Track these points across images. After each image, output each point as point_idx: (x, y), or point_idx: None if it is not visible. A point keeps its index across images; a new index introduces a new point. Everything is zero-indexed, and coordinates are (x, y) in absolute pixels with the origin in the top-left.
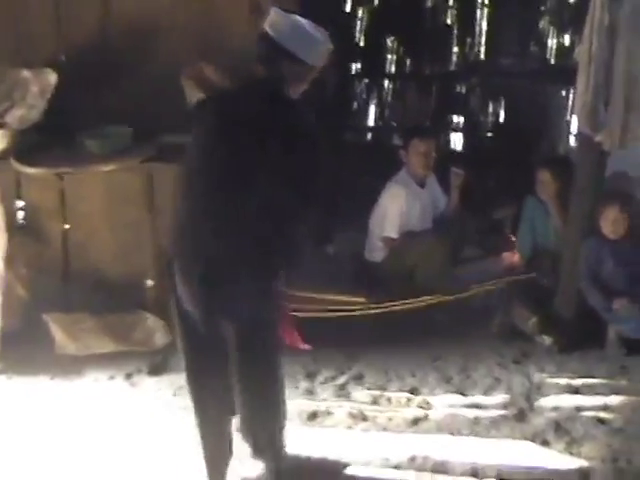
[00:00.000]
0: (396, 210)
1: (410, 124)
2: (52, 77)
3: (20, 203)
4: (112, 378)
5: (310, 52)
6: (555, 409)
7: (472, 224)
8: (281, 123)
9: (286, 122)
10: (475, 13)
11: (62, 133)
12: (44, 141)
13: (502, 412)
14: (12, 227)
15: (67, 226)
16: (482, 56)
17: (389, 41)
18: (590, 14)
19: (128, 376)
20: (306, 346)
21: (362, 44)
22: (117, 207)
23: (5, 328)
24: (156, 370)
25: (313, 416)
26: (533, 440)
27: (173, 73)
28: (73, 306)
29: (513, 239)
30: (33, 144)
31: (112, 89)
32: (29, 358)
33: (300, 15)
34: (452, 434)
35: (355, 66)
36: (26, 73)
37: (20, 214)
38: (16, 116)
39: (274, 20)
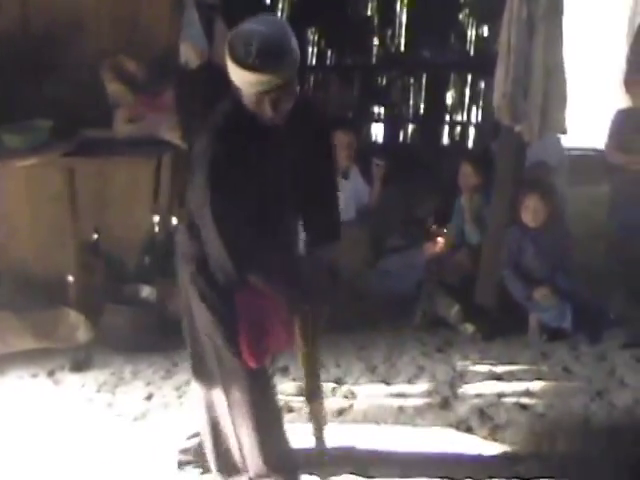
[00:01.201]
0: None
1: (332, 116)
2: None
3: None
4: (35, 376)
5: None
6: (478, 396)
7: (395, 215)
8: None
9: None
10: (395, 5)
11: None
12: None
13: (426, 400)
14: None
15: None
16: (403, 48)
17: (310, 32)
18: (508, 6)
19: (51, 373)
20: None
21: None
22: (38, 203)
23: None
24: (79, 367)
25: None
26: (457, 427)
27: (94, 66)
28: None
29: (435, 229)
30: None
31: (31, 82)
32: None
33: (219, 8)
34: (377, 423)
35: None
36: None
37: None
38: None
39: None
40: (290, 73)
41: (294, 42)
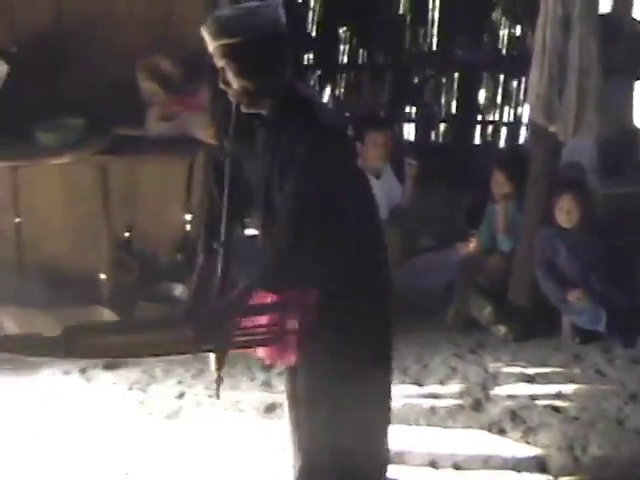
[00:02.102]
0: None
1: (364, 115)
2: (3, 68)
3: None
4: (67, 373)
5: None
6: (511, 398)
7: (427, 215)
8: None
9: None
10: (428, 3)
11: (14, 125)
12: None
13: (458, 402)
14: None
15: (18, 219)
16: (435, 47)
17: (342, 31)
18: (543, 5)
19: (83, 371)
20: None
21: (315, 34)
22: (71, 200)
23: None
24: (111, 364)
25: (271, 408)
26: (489, 429)
27: (128, 64)
28: (27, 301)
29: (468, 230)
30: None
31: (66, 80)
32: None
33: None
34: (409, 424)
35: (308, 56)
36: None
37: None
38: None
39: None
40: (237, 40)
41: (262, 18)
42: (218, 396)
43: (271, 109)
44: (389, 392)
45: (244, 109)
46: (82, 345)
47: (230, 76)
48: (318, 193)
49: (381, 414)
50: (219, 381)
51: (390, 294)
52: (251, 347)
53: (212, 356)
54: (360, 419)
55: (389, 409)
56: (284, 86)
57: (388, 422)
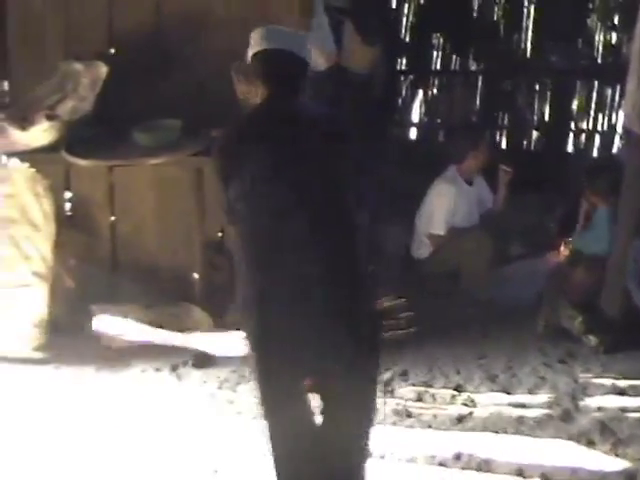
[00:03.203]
0: (444, 207)
1: (462, 134)
2: (103, 69)
3: (68, 195)
4: (158, 370)
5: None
6: (600, 410)
7: (519, 222)
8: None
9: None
10: (522, 9)
11: (112, 125)
12: (95, 133)
13: (547, 412)
14: (60, 218)
15: (113, 218)
16: (528, 53)
17: (435, 37)
18: None
19: (174, 368)
20: None
21: (408, 40)
22: (165, 200)
23: (53, 319)
24: (202, 363)
25: None
26: (578, 440)
27: (225, 66)
28: (120, 297)
29: (559, 238)
30: (84, 136)
31: (163, 82)
32: (76, 349)
33: (349, 12)
34: (497, 433)
35: (401, 62)
36: (77, 65)
37: (68, 206)
38: (67, 108)
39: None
40: None
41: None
42: None
43: None
44: None
45: None
46: None
47: None
48: None
49: None
50: None
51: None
52: None
53: None
54: None
55: None
56: None
57: None
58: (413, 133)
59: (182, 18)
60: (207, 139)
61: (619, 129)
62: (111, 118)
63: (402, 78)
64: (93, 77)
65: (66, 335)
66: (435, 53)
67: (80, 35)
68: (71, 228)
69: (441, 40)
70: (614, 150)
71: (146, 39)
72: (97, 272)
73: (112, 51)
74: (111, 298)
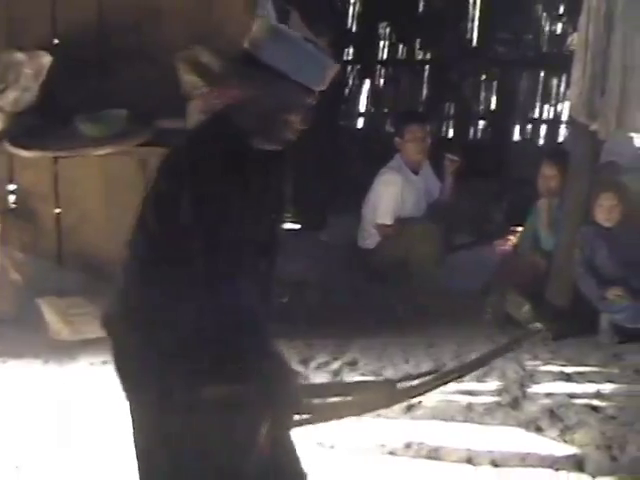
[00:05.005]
0: (390, 197)
1: (404, 110)
2: (46, 59)
3: (12, 187)
4: (106, 363)
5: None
6: (548, 396)
7: (465, 211)
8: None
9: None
10: None
11: (57, 116)
12: (39, 124)
13: (495, 399)
14: (4, 211)
15: (58, 210)
16: (475, 43)
17: (381, 27)
18: (586, 2)
19: None
20: None
21: (354, 30)
22: (111, 191)
23: None
24: None
25: None
26: (527, 427)
27: (169, 57)
28: (67, 290)
29: (506, 227)
30: (27, 127)
31: (108, 72)
32: (23, 342)
33: (295, 2)
34: (446, 421)
35: (347, 52)
36: (20, 55)
37: (12, 198)
38: (10, 99)
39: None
40: None
41: None
42: None
43: None
44: None
45: None
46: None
47: None
48: None
49: None
50: None
51: None
52: None
53: None
54: None
55: None
56: None
57: None
58: (360, 123)
59: (126, 8)
60: (152, 130)
61: (565, 118)
62: (55, 109)
63: (349, 68)
64: (36, 67)
65: (13, 328)
66: (382, 43)
67: (23, 26)
68: (16, 220)
69: (387, 30)
70: (560, 139)
71: (90, 30)
72: (43, 265)
73: (56, 42)
74: (57, 291)
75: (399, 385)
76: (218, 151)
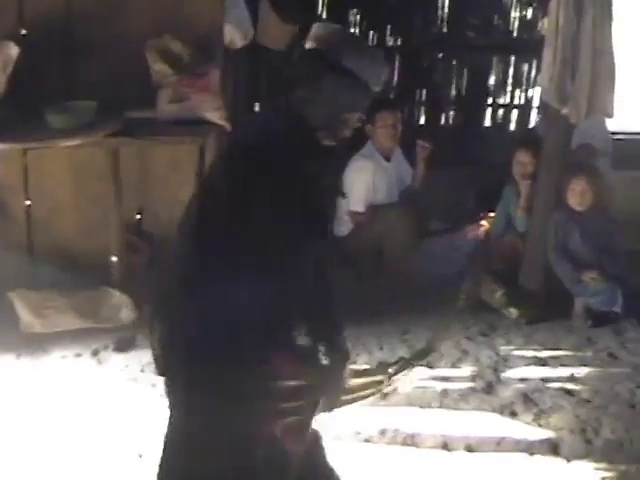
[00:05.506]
0: (362, 184)
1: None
2: (13, 50)
3: None
4: (79, 355)
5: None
6: (522, 381)
7: (438, 198)
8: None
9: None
10: None
11: (25, 108)
12: (6, 116)
13: (470, 384)
14: None
15: (28, 202)
16: (445, 29)
17: (351, 13)
18: None
19: (95, 353)
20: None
21: (324, 17)
22: (81, 182)
23: None
24: (123, 347)
25: None
26: (501, 412)
27: (139, 46)
28: (38, 283)
29: (479, 213)
30: None
31: (76, 63)
32: None
33: None
34: (421, 407)
35: None
36: None
37: None
38: None
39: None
40: None
41: None
42: None
43: None
44: None
45: None
46: None
47: None
48: None
49: None
50: None
51: None
52: None
53: None
54: None
55: None
56: None
57: None
58: None
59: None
60: (122, 120)
61: (536, 103)
62: (23, 100)
63: None
64: (4, 59)
65: None
66: (352, 29)
67: None
68: None
69: (358, 17)
70: (531, 124)
71: (58, 20)
72: (13, 258)
73: (23, 32)
74: (29, 284)
75: (390, 370)
76: (294, 144)
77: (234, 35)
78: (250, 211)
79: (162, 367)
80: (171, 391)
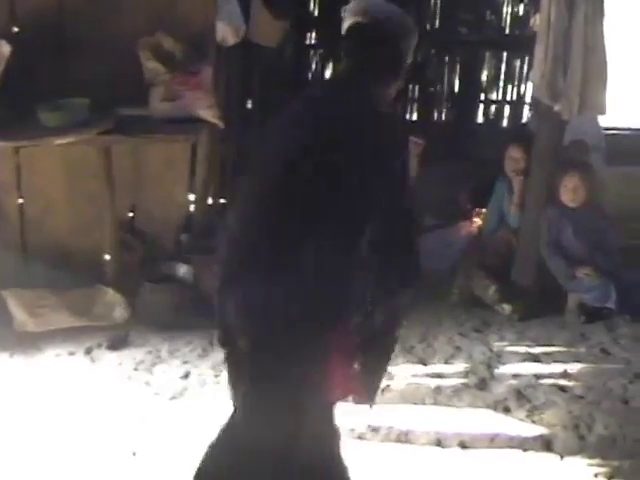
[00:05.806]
0: None
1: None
2: (5, 48)
3: None
4: (72, 354)
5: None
6: (516, 377)
7: (430, 194)
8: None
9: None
10: None
11: (17, 106)
12: None
13: (463, 381)
14: None
15: (21, 200)
16: (438, 24)
17: (343, 10)
18: None
19: (88, 351)
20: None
21: (316, 14)
22: (74, 181)
23: None
24: (116, 345)
25: None
26: (495, 408)
27: (131, 44)
28: (32, 282)
29: (472, 209)
30: None
31: (69, 61)
32: None
33: None
34: (415, 404)
35: (310, 36)
36: None
37: None
38: None
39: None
40: None
41: None
42: None
43: None
44: None
45: None
46: None
47: None
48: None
49: None
50: None
51: None
52: None
53: None
54: None
55: None
56: None
57: None
58: None
59: None
60: (115, 117)
61: (528, 100)
62: (16, 98)
63: (311, 52)
64: None
65: None
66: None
67: None
68: None
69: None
70: (523, 120)
71: (50, 17)
72: (7, 256)
73: (15, 30)
74: (22, 282)
75: None
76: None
77: (226, 32)
78: (342, 181)
79: (231, 336)
80: (235, 361)
